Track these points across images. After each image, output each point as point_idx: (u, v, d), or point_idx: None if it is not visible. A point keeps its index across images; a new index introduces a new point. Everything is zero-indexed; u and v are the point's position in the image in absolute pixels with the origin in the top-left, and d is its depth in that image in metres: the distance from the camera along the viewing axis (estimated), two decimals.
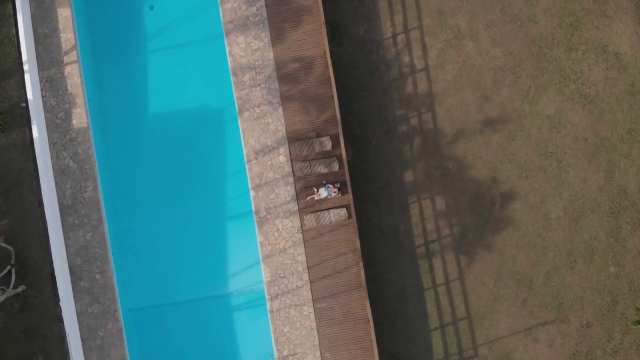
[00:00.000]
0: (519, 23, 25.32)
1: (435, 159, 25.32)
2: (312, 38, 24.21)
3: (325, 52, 24.32)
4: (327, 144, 24.17)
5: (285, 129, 24.51)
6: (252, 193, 24.70)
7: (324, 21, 23.66)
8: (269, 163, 24.65)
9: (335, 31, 25.34)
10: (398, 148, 25.12)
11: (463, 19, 25.21)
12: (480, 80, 25.21)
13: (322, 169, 24.23)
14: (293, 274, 24.58)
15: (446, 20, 25.30)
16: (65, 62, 24.42)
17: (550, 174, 25.07)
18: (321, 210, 24.36)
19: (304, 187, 24.73)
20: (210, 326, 25.54)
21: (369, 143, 25.37)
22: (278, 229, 24.69)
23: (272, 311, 24.57)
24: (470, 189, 25.20)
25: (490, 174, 25.24)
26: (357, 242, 23.98)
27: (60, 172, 24.82)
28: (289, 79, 24.43)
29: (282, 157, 24.60)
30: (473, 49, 25.34)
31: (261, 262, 24.80)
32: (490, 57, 25.32)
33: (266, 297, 24.67)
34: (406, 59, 25.43)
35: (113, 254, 24.95)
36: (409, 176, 25.17)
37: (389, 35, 25.35)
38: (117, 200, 25.63)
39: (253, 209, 24.72)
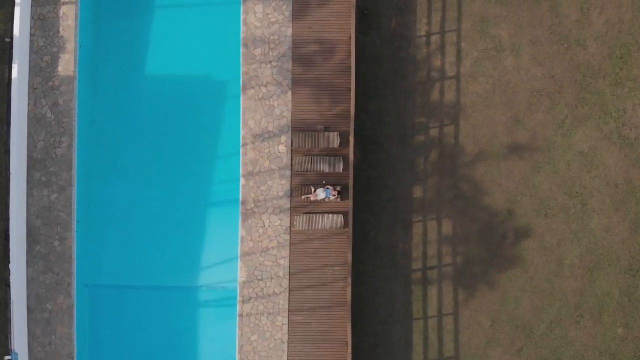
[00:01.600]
0: (566, 45, 20.74)
1: (450, 177, 20.73)
2: (338, 20, 19.67)
3: (350, 39, 19.67)
4: (335, 140, 19.50)
5: (291, 116, 19.84)
6: (241, 180, 20.01)
7: (354, 4, 20.01)
8: (266, 150, 19.91)
9: (365, 18, 20.73)
10: (411, 159, 20.58)
11: (506, 30, 20.65)
12: (514, 100, 20.66)
13: (324, 168, 19.52)
14: (272, 278, 19.88)
15: (488, 28, 20.66)
16: (62, 0, 19.87)
17: (572, 216, 20.74)
18: (315, 212, 19.70)
19: (301, 184, 20.02)
20: (172, 319, 21.47)
21: (380, 148, 20.76)
22: (264, 226, 19.96)
23: (241, 315, 19.94)
24: (483, 218, 20.68)
25: (507, 204, 20.73)
26: (349, 255, 19.32)
27: (34, 121, 21.19)
28: (304, 61, 19.82)
29: (282, 146, 19.88)
30: (512, 65, 20.76)
31: (239, 259, 20.23)
32: (529, 76, 20.79)
33: (238, 298, 20.13)
34: (437, 63, 20.79)
35: (77, 222, 20.68)
36: (417, 191, 20.63)
37: (423, 33, 20.71)
38: (93, 163, 22.07)
39: (240, 199, 20.10)
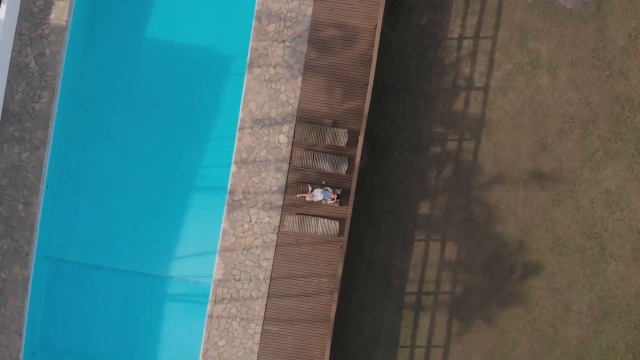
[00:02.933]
0: (608, 72, 17.40)
1: (461, 197, 17.26)
2: (365, 7, 16.52)
3: (375, 29, 16.19)
4: (342, 138, 15.96)
5: (298, 105, 16.31)
6: (232, 167, 16.52)
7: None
8: (265, 138, 16.31)
9: (394, 10, 17.31)
10: (423, 171, 17.20)
11: (546, 46, 17.30)
12: (544, 123, 17.34)
13: (326, 166, 15.96)
14: (251, 280, 16.32)
15: (527, 40, 17.25)
16: None
17: (587, 259, 18.13)
18: (309, 215, 16.17)
19: (298, 181, 16.47)
20: (136, 308, 18.53)
21: (390, 154, 17.24)
22: (250, 221, 16.38)
23: (211, 316, 16.41)
24: (491, 247, 17.37)
25: (520, 236, 17.44)
26: (340, 267, 15.76)
27: (16, 70, 18.52)
28: (321, 45, 16.38)
29: (283, 136, 16.29)
30: (547, 84, 17.33)
31: (217, 254, 16.55)
32: (564, 100, 17.37)
33: (210, 297, 16.58)
34: (466, 70, 17.25)
35: (47, 187, 18.09)
36: (424, 207, 17.21)
37: (455, 35, 17.21)
38: (73, 125, 19.27)
39: (228, 188, 16.43)
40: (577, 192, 19.27)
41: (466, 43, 19.19)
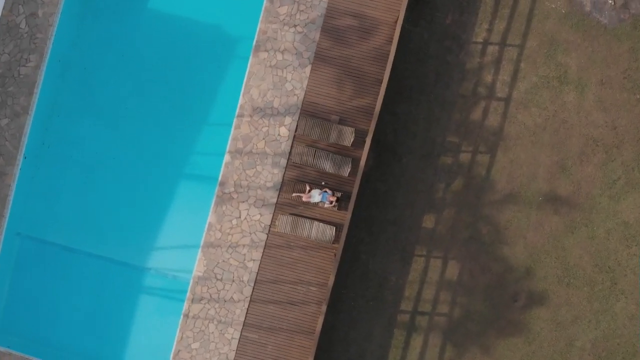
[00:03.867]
0: (638, 96, 14.85)
1: (469, 214, 15.01)
2: (388, 11, 13.69)
3: (395, 22, 13.84)
4: (348, 137, 13.66)
5: (304, 96, 13.95)
6: (226, 157, 14.23)
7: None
8: (264, 129, 13.95)
9: (418, 5, 15.17)
10: (431, 181, 15.03)
11: (576, 61, 15.22)
12: (565, 143, 15.25)
13: (327, 166, 13.63)
14: (233, 281, 14.00)
15: (556, 53, 15.04)
16: None
17: (596, 293, 16.75)
18: (304, 217, 13.84)
19: (296, 179, 14.13)
20: (107, 297, 17.02)
21: (398, 160, 14.96)
22: (239, 217, 14.05)
23: (187, 315, 14.07)
24: (496, 270, 15.28)
25: (528, 262, 15.40)
26: (332, 277, 13.46)
27: (5, 30, 16.74)
28: (335, 35, 14.12)
29: (284, 129, 13.94)
30: (573, 102, 15.12)
31: (200, 249, 14.17)
32: (589, 121, 15.26)
33: (187, 294, 14.09)
34: (488, 78, 14.97)
35: (24, 158, 16.51)
36: (428, 221, 14.95)
37: (480, 40, 14.91)
38: (60, 93, 17.32)
39: (219, 178, 14.03)
40: (593, 221, 17.02)
41: (491, 49, 16.92)
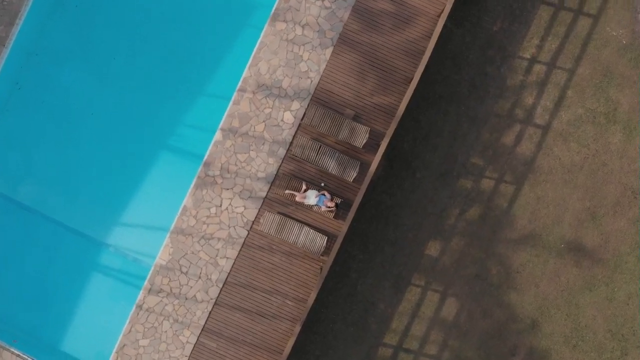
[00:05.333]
0: None
1: (480, 249, 11.67)
2: (431, 2, 10.80)
3: (438, 16, 10.33)
4: (361, 137, 10.33)
5: (319, 81, 10.43)
6: (217, 135, 10.92)
7: None
8: (266, 110, 10.52)
9: (465, 4, 11.59)
10: (444, 204, 12.15)
11: (628, 99, 12.94)
12: (601, 189, 12.81)
13: (331, 166, 10.22)
14: (200, 277, 10.59)
15: (608, 86, 12.21)
16: None
17: None
18: (294, 219, 10.45)
19: (292, 174, 10.78)
20: (57, 269, 14.51)
21: (411, 173, 11.62)
22: (220, 205, 10.62)
23: (140, 306, 10.81)
24: (498, 317, 12.64)
25: (536, 314, 12.82)
26: (313, 295, 10.14)
27: None
28: (367, 17, 10.91)
29: (288, 114, 10.50)
30: (617, 145, 12.45)
31: (168, 233, 10.66)
32: (631, 169, 13.29)
33: (145, 282, 10.68)
34: (528, 100, 11.66)
35: None
36: (433, 248, 11.66)
37: (527, 55, 11.60)
38: (44, 29, 14.17)
39: (205, 158, 10.51)
40: (615, 281, 13.79)
41: (537, 68, 13.65)
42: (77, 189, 14.06)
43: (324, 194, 13.02)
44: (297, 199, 13.04)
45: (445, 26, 13.52)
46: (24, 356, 13.04)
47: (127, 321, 13.45)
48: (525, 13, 14.45)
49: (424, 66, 12.73)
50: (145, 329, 13.35)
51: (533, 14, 14.42)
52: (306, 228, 12.96)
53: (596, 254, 14.45)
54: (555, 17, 14.43)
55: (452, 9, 13.12)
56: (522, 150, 14.37)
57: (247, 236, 13.19)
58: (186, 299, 13.27)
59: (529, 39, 14.46)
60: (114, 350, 13.47)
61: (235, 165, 13.23)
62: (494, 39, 14.40)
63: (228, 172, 13.26)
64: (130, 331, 13.39)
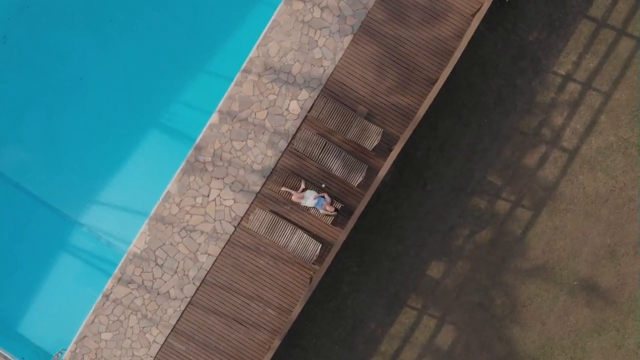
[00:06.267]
0: None
1: (487, 276, 9.79)
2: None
3: (473, 17, 8.25)
4: (372, 139, 8.32)
5: (333, 71, 8.31)
6: (214, 117, 8.76)
7: None
8: (270, 97, 8.40)
9: (502, 8, 9.59)
10: (453, 223, 10.33)
11: None
12: (625, 226, 12.04)
13: (335, 166, 8.16)
14: (176, 272, 8.52)
15: None
16: None
17: None
18: (287, 220, 8.39)
19: (291, 170, 8.75)
20: (22, 244, 12.53)
21: (422, 185, 9.61)
22: (207, 195, 8.51)
23: (107, 295, 8.82)
24: (497, 352, 11.95)
25: (538, 353, 13.06)
26: (299, 307, 8.11)
27: None
28: (394, 7, 9.14)
29: (295, 103, 8.42)
30: None
31: (147, 219, 8.57)
32: None
33: (115, 270, 8.55)
34: (557, 120, 9.69)
35: None
36: (435, 269, 9.72)
37: (562, 72, 9.57)
38: None
39: (197, 141, 8.41)
40: (627, 327, 11.97)
41: (571, 87, 11.77)
42: (55, 159, 12.17)
43: (323, 197, 11.13)
44: (293, 198, 11.14)
45: (477, 29, 11.63)
46: None
47: (92, 310, 11.58)
48: (565, 26, 12.57)
49: (451, 69, 10.85)
50: (110, 322, 11.46)
51: (573, 27, 12.55)
52: (300, 232, 11.07)
53: (610, 295, 12.59)
54: (597, 34, 12.56)
55: (489, 11, 11.23)
56: (544, 174, 12.50)
57: (233, 233, 11.30)
58: (158, 294, 11.37)
59: (565, 54, 12.59)
60: (74, 340, 11.60)
61: (230, 153, 11.33)
62: (528, 50, 12.52)
63: (221, 159, 11.35)
64: (93, 322, 11.50)
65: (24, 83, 12.39)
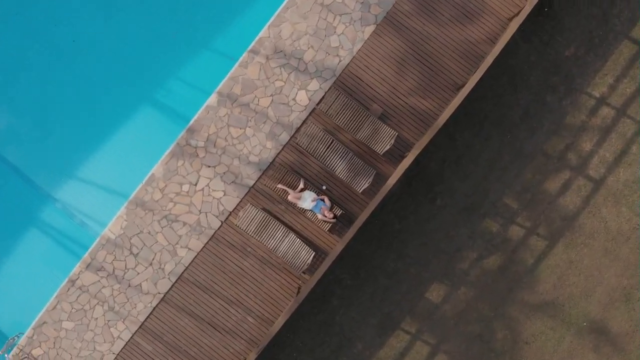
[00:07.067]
0: None
1: (490, 306, 8.13)
2: (506, 2, 7.17)
3: (509, 21, 6.52)
4: (384, 142, 6.74)
5: (349, 63, 6.60)
6: (212, 98, 7.02)
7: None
8: (277, 83, 6.68)
9: (539, 17, 8.03)
10: (460, 244, 8.96)
11: None
12: None
13: (340, 168, 6.47)
14: (152, 264, 6.82)
15: None
16: None
17: None
18: (280, 221, 6.69)
19: (291, 166, 7.13)
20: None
21: (431, 200, 8.05)
22: (194, 184, 6.78)
23: (72, 281, 7.24)
24: None
25: None
26: (281, 319, 6.32)
27: None
28: (424, 3, 7.37)
29: (303, 94, 6.72)
30: None
31: (126, 202, 6.81)
32: None
33: (85, 254, 6.86)
34: (586, 145, 8.02)
35: None
36: (435, 293, 8.18)
37: (596, 94, 7.92)
38: None
39: (190, 122, 6.71)
40: None
41: (604, 111, 10.25)
42: (37, 125, 10.61)
43: (323, 200, 9.59)
44: (289, 197, 9.59)
45: (512, 39, 10.09)
46: None
47: (55, 295, 10.04)
48: (605, 44, 11.04)
49: (480, 75, 9.32)
50: (73, 310, 9.91)
51: (614, 47, 11.02)
52: (292, 235, 9.53)
53: (620, 342, 11.07)
54: (638, 57, 11.01)
55: (525, 20, 9.70)
56: (565, 203, 10.97)
57: (219, 228, 9.76)
58: (129, 285, 9.82)
59: (602, 75, 11.06)
60: (32, 325, 10.05)
61: (225, 140, 9.77)
62: (562, 65, 10.99)
63: (214, 146, 9.80)
64: (55, 308, 9.96)
65: (10, 36, 10.84)
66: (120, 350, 10.10)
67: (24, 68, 10.98)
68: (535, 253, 11.09)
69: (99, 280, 10.16)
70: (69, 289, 10.18)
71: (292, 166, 9.98)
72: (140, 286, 10.09)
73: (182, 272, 9.99)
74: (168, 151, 10.06)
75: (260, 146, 10.01)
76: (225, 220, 10.00)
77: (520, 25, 10.34)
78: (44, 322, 10.21)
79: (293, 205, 9.91)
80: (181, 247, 10.00)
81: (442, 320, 11.02)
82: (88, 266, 10.15)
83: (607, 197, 11.24)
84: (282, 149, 9.94)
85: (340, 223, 9.93)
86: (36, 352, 10.07)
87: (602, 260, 11.21)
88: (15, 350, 9.85)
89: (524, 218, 11.07)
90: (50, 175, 10.82)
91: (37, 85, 10.89)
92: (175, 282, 9.99)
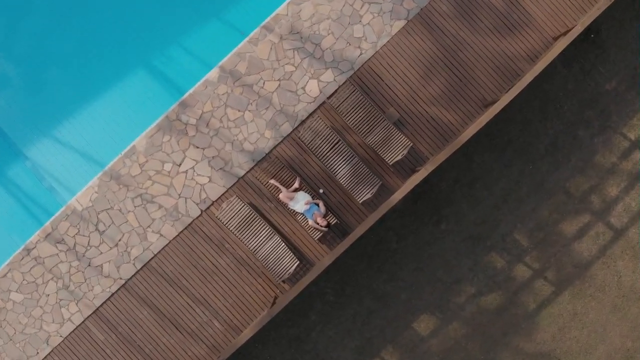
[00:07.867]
0: None
1: (481, 349, 6.62)
2: (560, 10, 5.30)
3: (554, 41, 4.90)
4: (396, 152, 5.18)
5: (370, 57, 5.00)
6: (213, 72, 5.62)
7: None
8: (287, 67, 5.12)
9: (584, 45, 6.15)
10: (460, 276, 7.89)
11: None
12: None
13: (342, 172, 4.89)
14: (117, 245, 5.22)
15: None
16: None
17: None
18: (267, 221, 5.10)
19: (288, 162, 5.78)
20: None
21: (436, 222, 6.52)
22: (178, 164, 5.16)
23: (28, 249, 6.09)
24: None
25: None
26: (251, 329, 4.62)
27: None
28: (463, 6, 5.75)
29: (314, 84, 5.15)
30: None
31: (99, 173, 5.18)
32: None
33: (46, 223, 5.36)
34: (612, 191, 6.48)
35: None
36: (423, 324, 6.53)
37: (631, 136, 6.71)
38: None
39: (184, 96, 5.11)
40: None
41: (637, 156, 8.86)
42: (21, 76, 9.17)
43: (317, 205, 8.19)
44: (281, 196, 8.18)
45: (552, 64, 8.67)
46: None
47: (7, 262, 8.63)
48: None
49: (514, 95, 7.90)
50: (24, 282, 8.50)
51: None
52: (277, 238, 8.11)
53: None
54: None
55: (569, 46, 8.30)
56: (579, 248, 9.57)
57: (197, 217, 8.35)
58: (89, 265, 8.41)
59: None
60: None
61: (220, 121, 8.35)
62: (600, 99, 9.59)
63: (207, 125, 8.38)
64: (5, 276, 8.56)
65: None
66: (69, 334, 8.70)
67: (28, 14, 9.61)
68: (538, 298, 9.70)
69: (57, 254, 8.75)
70: (23, 258, 8.77)
71: (289, 162, 8.56)
72: (101, 267, 8.68)
73: (150, 260, 8.58)
74: (155, 123, 8.64)
75: (258, 134, 8.59)
76: (205, 210, 8.59)
77: (562, 53, 8.95)
78: None
79: (284, 206, 8.50)
80: (153, 231, 8.59)
81: (426, 355, 9.61)
82: (48, 236, 8.74)
83: (626, 249, 9.85)
84: (282, 141, 8.53)
85: (333, 233, 8.52)
86: None
87: (609, 317, 9.83)
88: None
89: (533, 258, 9.67)
90: (25, 130, 9.41)
91: (37, 34, 9.51)
92: (140, 269, 8.59)
